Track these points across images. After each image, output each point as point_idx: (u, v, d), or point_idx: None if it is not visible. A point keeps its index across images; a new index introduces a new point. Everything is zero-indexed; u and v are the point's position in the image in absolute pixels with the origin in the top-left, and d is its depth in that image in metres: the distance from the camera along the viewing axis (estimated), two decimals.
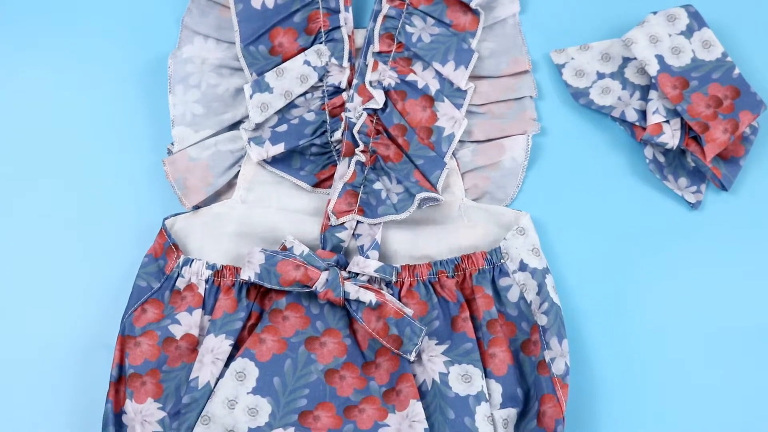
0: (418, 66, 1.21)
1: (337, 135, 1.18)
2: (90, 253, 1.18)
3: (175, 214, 1.17)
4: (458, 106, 1.20)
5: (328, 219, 1.16)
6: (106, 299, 1.17)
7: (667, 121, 1.19)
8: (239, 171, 1.19)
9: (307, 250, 1.13)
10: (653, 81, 1.19)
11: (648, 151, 1.21)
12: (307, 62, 1.19)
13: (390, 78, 1.20)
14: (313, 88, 1.20)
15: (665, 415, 1.15)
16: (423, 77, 1.20)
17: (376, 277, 1.13)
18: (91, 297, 1.17)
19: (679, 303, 1.18)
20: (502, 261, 1.15)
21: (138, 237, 1.18)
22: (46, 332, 1.16)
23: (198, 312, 1.13)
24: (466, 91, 1.20)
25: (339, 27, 1.20)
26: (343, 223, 1.16)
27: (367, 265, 1.13)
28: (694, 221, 1.20)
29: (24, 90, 1.23)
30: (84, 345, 1.16)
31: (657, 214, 1.20)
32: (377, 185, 1.17)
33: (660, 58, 1.20)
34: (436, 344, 1.12)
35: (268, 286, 1.11)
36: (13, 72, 1.23)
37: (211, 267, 1.14)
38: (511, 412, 1.11)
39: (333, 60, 1.20)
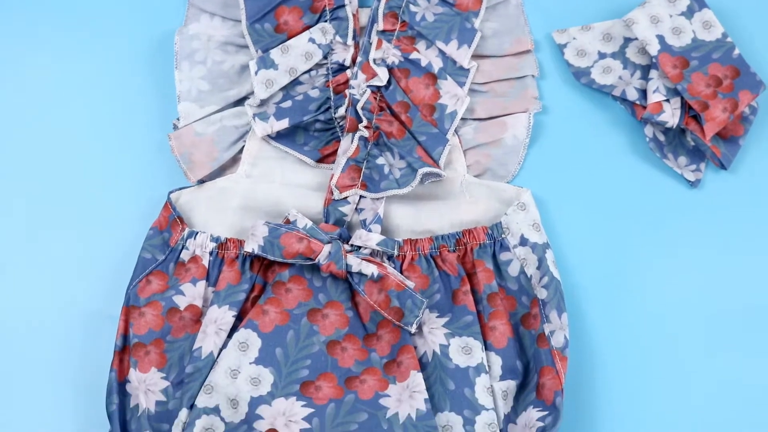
0: (421, 45, 1.22)
1: (341, 111, 1.20)
2: (96, 225, 1.20)
3: (180, 188, 1.19)
4: (461, 84, 1.21)
5: (332, 193, 1.17)
6: (112, 271, 1.18)
7: (668, 100, 1.20)
8: (244, 146, 1.20)
9: (310, 223, 1.14)
10: (654, 61, 1.21)
11: (648, 130, 1.22)
12: (311, 40, 1.21)
13: (394, 56, 1.21)
14: (318, 65, 1.21)
15: (662, 389, 1.16)
16: (426, 56, 1.21)
17: (378, 251, 1.14)
18: (97, 269, 1.18)
19: (678, 279, 1.19)
20: (503, 236, 1.16)
21: (143, 210, 1.20)
22: (52, 303, 1.17)
23: (202, 283, 1.14)
24: (468, 70, 1.22)
25: (344, 5, 1.21)
26: (346, 197, 1.17)
27: (370, 238, 1.14)
28: (694, 199, 1.21)
29: (33, 66, 1.24)
30: (89, 316, 1.17)
31: (656, 192, 1.21)
32: (380, 160, 1.18)
33: (661, 38, 1.21)
34: (437, 317, 1.13)
35: (272, 258, 1.13)
36: (22, 47, 1.25)
37: (216, 239, 1.15)
38: (511, 384, 1.12)
39: (337, 38, 1.21)
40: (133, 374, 1.12)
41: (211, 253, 1.15)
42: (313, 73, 1.21)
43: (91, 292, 1.18)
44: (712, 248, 1.20)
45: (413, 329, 1.11)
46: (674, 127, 1.20)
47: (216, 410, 1.09)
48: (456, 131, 1.21)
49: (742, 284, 1.19)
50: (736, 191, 1.21)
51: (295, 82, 1.21)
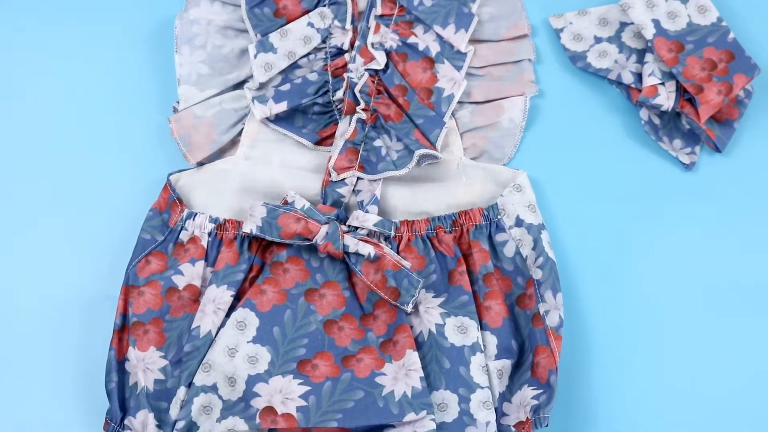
0: (419, 29, 1.23)
1: (339, 94, 1.21)
2: (96, 207, 1.21)
3: (180, 170, 1.20)
4: (458, 68, 1.22)
5: (329, 175, 1.18)
6: (111, 252, 1.19)
7: (663, 84, 1.21)
8: (243, 129, 1.21)
9: (308, 204, 1.16)
10: (649, 45, 1.22)
11: (643, 113, 1.23)
12: (310, 24, 1.22)
13: (392, 40, 1.22)
14: (316, 49, 1.22)
15: (655, 367, 1.17)
16: (424, 40, 1.23)
17: (375, 231, 1.16)
18: (97, 250, 1.20)
19: (672, 260, 1.20)
20: (499, 217, 1.17)
21: (143, 192, 1.21)
22: (52, 284, 1.19)
23: (201, 263, 1.15)
24: (465, 54, 1.23)
25: None
26: (344, 179, 1.18)
27: (367, 219, 1.15)
28: (688, 182, 1.22)
29: (35, 50, 1.26)
30: (89, 296, 1.18)
31: (652, 174, 1.22)
32: (377, 142, 1.19)
33: (656, 23, 1.22)
34: (433, 297, 1.14)
35: (269, 238, 1.14)
36: (22, 31, 1.26)
37: (214, 220, 1.17)
38: (506, 363, 1.13)
39: (336, 22, 1.23)
40: (132, 353, 1.13)
41: (209, 234, 1.16)
42: (311, 57, 1.22)
43: (91, 272, 1.19)
44: (706, 229, 1.21)
45: (409, 309, 1.12)
46: (669, 110, 1.21)
47: (214, 388, 1.11)
48: (453, 114, 1.22)
49: (736, 265, 1.20)
50: (730, 174, 1.22)
51: (294, 66, 1.22)
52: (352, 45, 1.23)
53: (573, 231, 1.20)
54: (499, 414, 1.12)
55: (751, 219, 1.21)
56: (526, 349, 1.14)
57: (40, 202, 1.21)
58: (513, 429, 1.11)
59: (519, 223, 1.17)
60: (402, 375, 1.11)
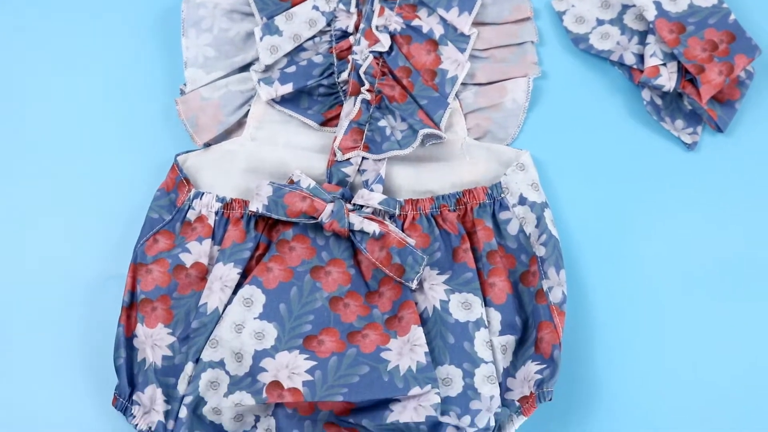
0: (423, 12, 1.25)
1: (344, 76, 1.22)
2: (105, 188, 1.22)
3: (187, 151, 1.21)
4: (461, 51, 1.23)
5: (334, 155, 1.20)
6: (120, 232, 1.21)
7: (664, 64, 1.22)
8: (249, 110, 1.23)
9: (313, 183, 1.17)
10: (651, 26, 1.23)
11: (645, 94, 1.24)
12: (315, 7, 1.23)
13: (396, 23, 1.24)
14: (321, 32, 1.24)
15: (656, 343, 1.18)
16: (428, 23, 1.24)
17: (380, 210, 1.17)
18: (105, 229, 1.21)
19: (673, 238, 1.21)
20: (503, 195, 1.18)
21: (151, 173, 1.22)
22: (61, 263, 1.20)
23: (208, 242, 1.16)
24: (469, 36, 1.24)
25: None
26: (349, 158, 1.20)
27: (372, 197, 1.17)
28: (690, 161, 1.23)
29: (43, 32, 1.27)
30: (97, 274, 1.20)
31: (654, 154, 1.23)
32: (382, 123, 1.21)
33: (657, 4, 1.23)
34: (438, 274, 1.16)
35: (276, 217, 1.15)
36: (29, 13, 1.27)
37: (221, 200, 1.18)
38: (510, 339, 1.14)
39: (341, 5, 1.24)
40: (140, 329, 1.14)
41: (216, 213, 1.18)
42: (316, 39, 1.24)
43: (100, 251, 1.20)
44: (708, 208, 1.22)
45: (414, 285, 1.13)
46: (671, 90, 1.22)
47: (221, 364, 1.12)
48: (457, 96, 1.23)
49: (736, 242, 1.21)
50: (732, 153, 1.24)
51: (299, 49, 1.23)
52: (356, 28, 1.24)
53: (575, 210, 1.21)
54: (503, 389, 1.13)
55: (752, 198, 1.22)
56: (529, 326, 1.15)
57: (50, 183, 1.23)
58: (517, 404, 1.13)
59: (522, 201, 1.18)
60: (407, 350, 1.12)
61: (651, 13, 1.23)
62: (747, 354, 1.18)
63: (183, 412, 1.11)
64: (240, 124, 1.23)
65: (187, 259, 1.16)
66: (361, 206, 1.17)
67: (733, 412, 1.17)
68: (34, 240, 1.21)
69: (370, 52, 1.22)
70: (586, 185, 1.22)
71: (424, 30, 1.23)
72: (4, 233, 1.21)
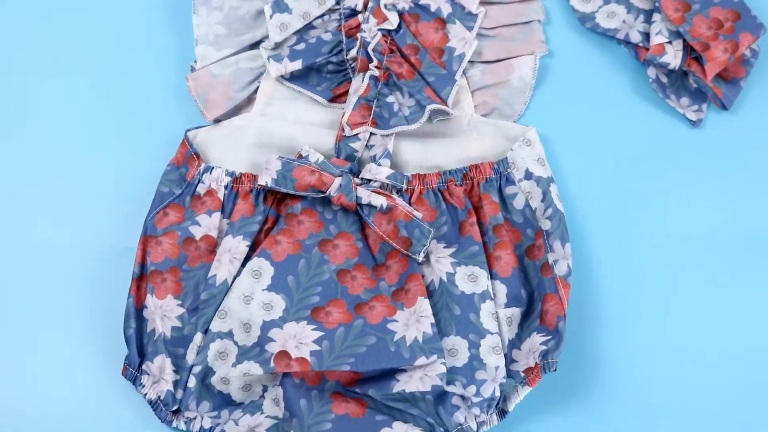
0: None
1: (353, 53, 1.24)
2: (116, 162, 1.24)
3: (197, 127, 1.23)
4: (469, 29, 1.25)
5: (343, 130, 1.21)
6: (130, 206, 1.22)
7: (670, 42, 1.23)
8: (258, 87, 1.24)
9: (322, 157, 1.18)
10: (656, 5, 1.24)
11: (651, 71, 1.25)
12: None
13: (404, 2, 1.25)
14: (330, 10, 1.25)
15: (661, 316, 1.19)
16: (435, 1, 1.25)
17: (387, 184, 1.18)
18: (116, 203, 1.22)
19: (678, 214, 1.22)
20: (509, 170, 1.19)
21: (161, 148, 1.24)
22: (72, 236, 1.21)
23: (217, 215, 1.18)
24: (477, 15, 1.25)
25: None
26: (357, 134, 1.21)
27: (379, 171, 1.18)
28: (695, 138, 1.25)
29: (55, 7, 1.29)
30: (108, 247, 1.21)
31: (659, 130, 1.25)
32: (390, 99, 1.22)
33: None
34: (444, 247, 1.17)
35: (284, 191, 1.16)
36: None
37: (231, 174, 1.19)
38: (515, 312, 1.15)
39: None
40: (150, 300, 1.15)
41: (226, 187, 1.19)
42: (326, 17, 1.25)
43: (110, 225, 1.22)
44: (712, 184, 1.23)
45: (421, 257, 1.15)
46: (676, 68, 1.23)
47: (229, 334, 1.13)
48: (464, 73, 1.24)
49: (739, 218, 1.22)
50: (736, 131, 1.25)
51: (309, 27, 1.25)
52: (365, 6, 1.25)
53: (581, 186, 1.22)
54: (509, 361, 1.14)
55: (755, 175, 1.23)
56: (535, 299, 1.16)
57: (64, 157, 1.24)
58: (522, 374, 1.14)
59: (528, 176, 1.19)
60: (413, 321, 1.13)
61: None
62: (750, 329, 1.19)
63: (192, 382, 1.13)
64: (250, 100, 1.25)
65: (197, 232, 1.17)
66: (369, 180, 1.18)
67: (737, 387, 1.17)
68: (46, 213, 1.22)
69: (379, 30, 1.23)
70: (592, 162, 1.23)
71: (432, 8, 1.25)
72: (16, 207, 1.23)
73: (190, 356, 1.14)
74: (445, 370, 1.10)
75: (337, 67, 1.24)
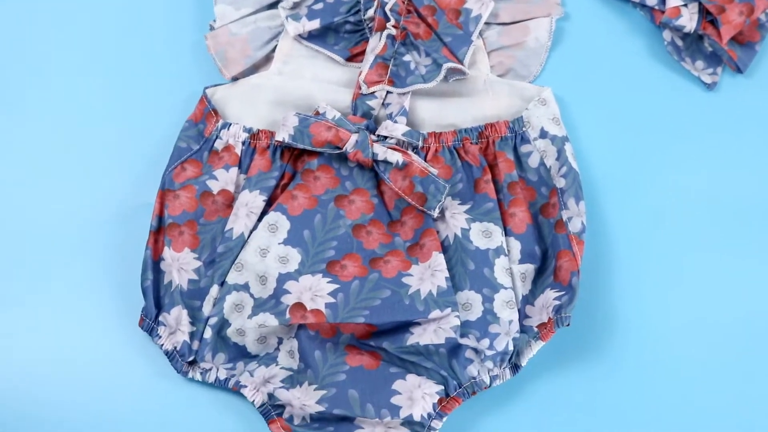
0: None
1: (370, 13, 1.24)
2: (136, 119, 1.25)
3: (216, 85, 1.24)
4: None
5: (360, 88, 1.22)
6: (148, 161, 1.23)
7: (686, 5, 1.24)
8: (276, 45, 1.25)
9: (338, 114, 1.19)
10: None
11: (666, 34, 1.26)
12: None
13: None
14: None
15: (673, 272, 1.20)
16: None
17: (403, 141, 1.19)
18: (135, 158, 1.23)
19: (691, 175, 1.23)
20: (524, 129, 1.20)
21: (180, 105, 1.25)
22: (91, 190, 1.23)
23: (234, 170, 1.19)
24: None
25: None
26: (374, 92, 1.22)
27: (396, 128, 1.19)
28: (710, 101, 1.25)
29: None
30: (126, 202, 1.22)
31: (673, 93, 1.25)
32: (407, 57, 1.23)
33: None
34: (459, 204, 1.18)
35: (301, 146, 1.17)
36: None
37: (248, 130, 1.20)
38: (529, 268, 1.16)
39: None
40: (167, 252, 1.17)
41: (243, 143, 1.20)
42: None
43: (129, 180, 1.23)
44: (726, 146, 1.24)
45: (436, 213, 1.15)
46: (692, 31, 1.24)
47: (245, 287, 1.14)
48: (480, 35, 1.25)
49: (753, 181, 1.23)
50: (751, 94, 1.26)
51: None
52: None
53: (596, 146, 1.23)
54: (522, 316, 1.15)
55: None
56: (549, 256, 1.17)
57: (84, 112, 1.25)
58: (535, 329, 1.14)
59: (543, 134, 1.20)
60: (428, 275, 1.14)
61: None
62: (764, 288, 1.19)
63: (207, 333, 1.14)
64: (267, 59, 1.26)
65: (214, 186, 1.18)
66: (385, 137, 1.19)
67: (748, 347, 1.18)
68: (67, 168, 1.24)
69: None
70: (607, 123, 1.24)
71: None
72: (37, 162, 1.24)
73: (207, 308, 1.15)
74: (459, 323, 1.11)
75: (355, 26, 1.25)
